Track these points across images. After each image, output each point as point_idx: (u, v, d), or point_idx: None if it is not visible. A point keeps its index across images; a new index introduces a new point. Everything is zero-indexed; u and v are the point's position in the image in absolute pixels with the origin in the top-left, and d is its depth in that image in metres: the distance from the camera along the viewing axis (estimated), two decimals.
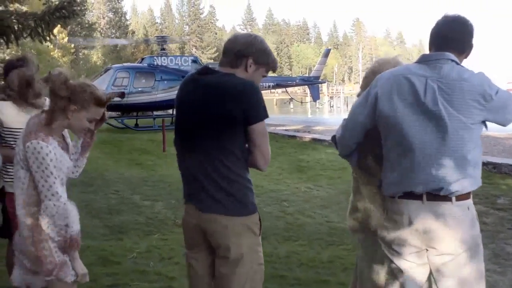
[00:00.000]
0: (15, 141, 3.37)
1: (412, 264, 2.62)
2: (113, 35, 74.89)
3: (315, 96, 34.44)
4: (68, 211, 2.64)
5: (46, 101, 3.51)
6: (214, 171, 2.63)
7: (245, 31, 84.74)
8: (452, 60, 2.57)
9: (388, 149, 2.65)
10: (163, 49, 25.96)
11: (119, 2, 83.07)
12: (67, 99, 2.63)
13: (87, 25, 59.47)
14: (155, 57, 24.79)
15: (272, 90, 45.24)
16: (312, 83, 32.76)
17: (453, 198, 2.51)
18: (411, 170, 2.54)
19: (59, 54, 49.18)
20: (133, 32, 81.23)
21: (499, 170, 9.62)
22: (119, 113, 23.39)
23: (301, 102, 50.83)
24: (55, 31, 11.09)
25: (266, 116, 2.66)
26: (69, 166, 2.77)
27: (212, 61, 69.90)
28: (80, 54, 60.07)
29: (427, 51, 2.73)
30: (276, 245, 5.61)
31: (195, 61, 25.65)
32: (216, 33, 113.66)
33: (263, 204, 7.27)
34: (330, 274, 4.78)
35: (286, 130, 19.34)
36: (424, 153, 2.51)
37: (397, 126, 2.57)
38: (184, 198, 2.82)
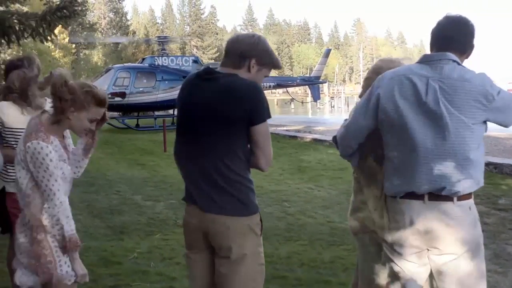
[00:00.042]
0: (16, 141, 3.37)
1: (413, 265, 2.62)
2: (114, 36, 74.88)
3: (316, 96, 34.46)
4: (69, 211, 2.65)
5: (47, 102, 3.52)
6: (216, 171, 2.63)
7: (246, 32, 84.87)
8: (454, 61, 2.57)
9: (389, 149, 2.65)
10: (164, 49, 25.99)
11: (120, 3, 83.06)
12: (68, 100, 2.63)
13: (88, 26, 59.39)
14: (156, 57, 24.84)
15: (273, 91, 45.32)
16: (313, 83, 32.78)
17: (455, 198, 2.51)
18: (413, 170, 2.54)
19: (60, 54, 49.19)
20: (134, 33, 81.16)
21: (500, 170, 9.62)
22: (120, 113, 23.42)
23: (302, 102, 50.84)
24: (56, 31, 11.09)
25: (269, 116, 2.66)
26: (69, 166, 2.77)
27: (213, 61, 69.97)
28: (81, 54, 60.06)
29: (428, 51, 2.73)
30: (277, 246, 5.61)
31: (196, 61, 25.69)
32: (217, 34, 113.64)
33: (264, 204, 7.27)
34: (331, 274, 4.78)
35: (287, 130, 19.37)
36: (425, 153, 2.51)
37: (398, 126, 2.57)
38: (185, 199, 2.82)
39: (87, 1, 38.20)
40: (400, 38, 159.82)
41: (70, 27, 47.84)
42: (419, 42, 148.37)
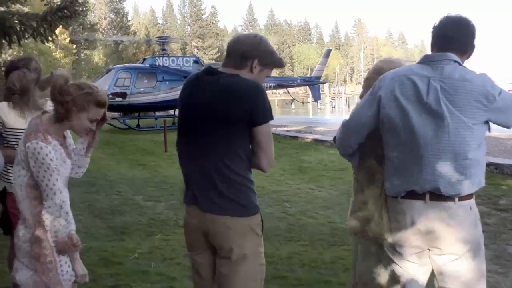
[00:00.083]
0: (18, 141, 3.37)
1: (414, 265, 2.62)
2: (114, 36, 74.94)
3: (316, 97, 34.48)
4: (69, 211, 2.65)
5: (48, 102, 3.52)
6: (217, 172, 2.62)
7: (246, 32, 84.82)
8: (455, 61, 2.57)
9: (390, 149, 2.66)
10: (165, 49, 26.00)
11: (120, 3, 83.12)
12: (68, 100, 2.63)
13: (88, 26, 59.49)
14: (156, 58, 24.86)
15: (274, 91, 45.31)
16: (313, 83, 32.79)
17: (456, 198, 2.51)
18: (413, 170, 2.54)
19: (61, 54, 49.23)
20: (135, 33, 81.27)
21: (501, 170, 9.62)
22: (121, 113, 23.44)
23: (303, 103, 50.83)
24: (57, 31, 11.11)
25: (272, 118, 2.65)
26: (69, 166, 2.77)
27: (213, 61, 69.97)
28: (82, 54, 60.13)
29: (429, 52, 2.73)
30: (278, 246, 5.61)
31: (196, 61, 25.73)
32: (217, 34, 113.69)
33: (264, 205, 7.27)
34: (332, 274, 4.78)
35: (288, 130, 19.37)
36: (426, 153, 2.51)
37: (399, 126, 2.57)
38: (186, 199, 2.82)
39: (88, 2, 38.22)
40: (401, 39, 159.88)
41: (71, 28, 47.91)
42: (420, 43, 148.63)
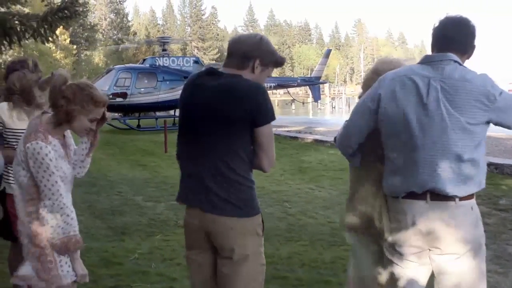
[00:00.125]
0: (18, 142, 3.37)
1: (414, 264, 2.62)
2: (115, 36, 74.92)
3: (316, 97, 34.51)
4: (69, 211, 2.65)
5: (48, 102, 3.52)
6: (218, 172, 2.62)
7: (246, 32, 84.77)
8: (455, 61, 2.58)
9: (389, 149, 2.66)
10: (165, 50, 26.01)
11: (121, 3, 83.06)
12: (67, 100, 2.63)
13: (89, 27, 59.48)
14: (157, 58, 24.89)
15: (274, 91, 45.31)
16: (313, 83, 32.81)
17: (457, 199, 2.51)
18: (413, 170, 2.54)
19: (61, 55, 49.21)
20: (135, 33, 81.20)
21: (501, 171, 9.63)
22: (121, 113, 23.46)
23: (303, 103, 50.83)
24: (57, 32, 11.10)
25: (273, 118, 2.65)
26: (70, 166, 2.78)
27: (214, 62, 69.99)
28: (82, 55, 60.10)
29: (429, 52, 2.73)
30: (278, 246, 5.61)
31: (196, 62, 25.77)
32: (217, 34, 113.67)
33: (265, 205, 7.27)
34: (332, 274, 4.79)
35: (288, 131, 19.38)
36: (426, 153, 2.52)
37: (399, 127, 2.57)
38: (186, 200, 2.81)
39: (88, 2, 38.22)
40: (401, 39, 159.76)
41: (71, 28, 47.92)
42: (420, 43, 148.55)
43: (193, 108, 2.71)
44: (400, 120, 2.56)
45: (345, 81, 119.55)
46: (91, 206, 7.55)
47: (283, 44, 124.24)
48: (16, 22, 9.76)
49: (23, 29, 9.82)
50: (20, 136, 2.92)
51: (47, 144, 2.60)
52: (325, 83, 52.34)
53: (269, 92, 37.11)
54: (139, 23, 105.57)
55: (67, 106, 2.63)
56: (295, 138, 16.74)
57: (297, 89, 47.24)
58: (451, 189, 2.49)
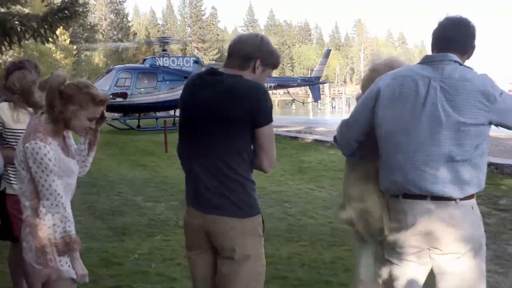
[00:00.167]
0: (17, 142, 3.38)
1: (413, 264, 2.62)
2: (115, 37, 74.96)
3: (316, 97, 34.52)
4: (67, 211, 2.65)
5: None
6: (219, 172, 2.62)
7: (246, 32, 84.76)
8: (455, 61, 2.57)
9: (390, 149, 2.65)
10: (165, 50, 26.02)
11: (121, 4, 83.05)
12: (66, 100, 2.64)
13: (89, 27, 59.53)
14: (157, 58, 24.89)
15: (274, 91, 45.31)
16: (313, 83, 32.82)
17: (457, 199, 2.51)
18: (412, 170, 2.54)
19: (61, 55, 49.22)
20: (135, 34, 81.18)
21: (501, 171, 9.63)
22: (121, 114, 23.48)
23: (303, 103, 50.86)
24: (57, 32, 11.11)
25: (271, 120, 2.66)
26: (71, 166, 2.78)
27: (214, 62, 70.00)
28: (82, 55, 60.10)
29: (429, 52, 2.73)
30: (278, 246, 5.61)
31: (197, 62, 25.78)
32: (218, 35, 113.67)
33: (265, 205, 7.27)
34: (332, 274, 4.78)
35: (288, 131, 19.38)
36: (423, 154, 2.51)
37: (396, 128, 2.57)
38: (187, 199, 2.82)
39: (88, 2, 38.27)
40: (401, 39, 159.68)
41: (71, 29, 47.93)
42: (420, 43, 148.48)
43: (193, 108, 2.71)
44: (399, 120, 2.56)
45: (345, 81, 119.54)
46: (91, 207, 7.55)
47: (283, 44, 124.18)
48: (16, 22, 9.77)
49: (23, 30, 9.83)
50: (20, 136, 2.92)
51: (46, 144, 2.60)
52: (325, 83, 52.38)
53: (269, 92, 37.42)
54: (139, 23, 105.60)
55: (64, 105, 2.63)
56: (295, 138, 16.74)
57: (297, 89, 47.28)
58: (449, 191, 2.49)
